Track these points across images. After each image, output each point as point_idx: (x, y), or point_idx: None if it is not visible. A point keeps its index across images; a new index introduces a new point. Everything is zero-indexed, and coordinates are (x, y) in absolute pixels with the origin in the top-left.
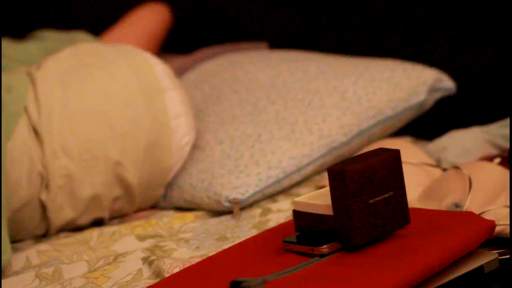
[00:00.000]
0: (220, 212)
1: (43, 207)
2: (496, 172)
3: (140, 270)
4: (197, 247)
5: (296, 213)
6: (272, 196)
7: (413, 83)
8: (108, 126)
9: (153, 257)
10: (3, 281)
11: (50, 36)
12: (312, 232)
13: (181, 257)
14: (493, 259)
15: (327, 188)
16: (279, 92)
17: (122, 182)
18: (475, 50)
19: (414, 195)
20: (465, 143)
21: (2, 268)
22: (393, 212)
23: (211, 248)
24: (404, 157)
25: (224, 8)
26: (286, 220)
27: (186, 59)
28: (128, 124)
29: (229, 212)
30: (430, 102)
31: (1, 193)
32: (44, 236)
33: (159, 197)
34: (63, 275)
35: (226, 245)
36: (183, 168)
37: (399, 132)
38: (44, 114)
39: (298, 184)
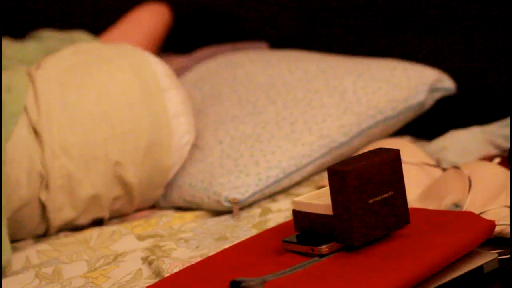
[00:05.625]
0: (220, 212)
1: (43, 207)
2: (496, 172)
3: (139, 269)
4: (197, 247)
5: (295, 213)
6: (272, 196)
7: (413, 83)
8: (108, 126)
9: (152, 257)
10: (3, 281)
11: (50, 36)
12: (311, 232)
13: (180, 256)
14: (493, 259)
15: (327, 188)
16: (278, 92)
17: (122, 182)
18: (475, 50)
19: (414, 195)
20: (465, 143)
21: (2, 268)
22: (393, 212)
23: (211, 248)
24: (404, 157)
25: (224, 8)
26: (286, 220)
27: (186, 59)
28: (128, 124)
29: (228, 212)
30: (430, 102)
31: (1, 193)
32: (44, 235)
33: (158, 197)
34: (63, 275)
35: (226, 245)
36: (182, 168)
37: (399, 132)
38: (43, 113)
39: (298, 184)
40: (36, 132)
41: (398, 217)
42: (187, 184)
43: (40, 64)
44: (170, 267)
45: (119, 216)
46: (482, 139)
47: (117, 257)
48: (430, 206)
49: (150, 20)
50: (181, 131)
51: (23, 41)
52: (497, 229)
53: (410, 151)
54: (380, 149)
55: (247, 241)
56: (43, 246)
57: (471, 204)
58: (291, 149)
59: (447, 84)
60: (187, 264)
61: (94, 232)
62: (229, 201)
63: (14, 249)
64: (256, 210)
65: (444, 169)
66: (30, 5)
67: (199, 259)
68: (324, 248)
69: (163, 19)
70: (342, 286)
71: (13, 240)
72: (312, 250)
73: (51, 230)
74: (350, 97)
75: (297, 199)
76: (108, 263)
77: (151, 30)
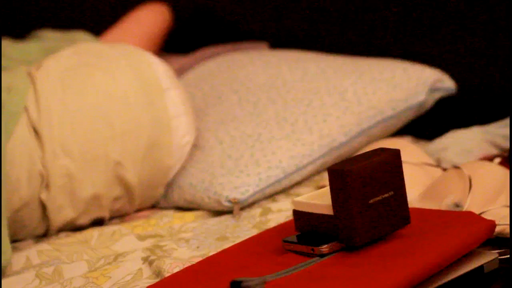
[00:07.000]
0: (220, 212)
1: (43, 207)
2: (496, 172)
3: (140, 270)
4: (197, 247)
5: (296, 213)
6: (272, 196)
7: (413, 83)
8: (108, 126)
9: (153, 257)
10: (3, 281)
11: (50, 36)
12: (312, 232)
13: (181, 257)
14: (493, 259)
15: (327, 188)
16: (279, 92)
17: (122, 182)
18: (475, 50)
19: (414, 195)
20: (465, 143)
21: (2, 268)
22: (393, 212)
23: (211, 248)
24: (404, 157)
25: (224, 8)
26: (286, 220)
27: (186, 59)
28: (128, 124)
29: (229, 212)
30: (430, 102)
31: (1, 193)
32: (44, 235)
33: (159, 197)
34: (63, 275)
35: (226, 245)
36: (183, 168)
37: (399, 132)
38: (44, 114)
39: (298, 184)
40: (36, 132)
41: (399, 217)
42: (187, 184)
43: (40, 64)
44: (171, 267)
45: (119, 216)
46: (482, 139)
47: (117, 257)
48: (431, 206)
49: (150, 20)
50: (182, 131)
51: (23, 41)
52: (497, 229)
53: (410, 151)
54: (380, 149)
55: (247, 241)
56: (44, 246)
57: (472, 204)
58: (291, 149)
59: (447, 84)
60: (188, 264)
61: (95, 232)
62: (230, 201)
63: (15, 249)
64: (257, 210)
65: (444, 169)
66: (30, 5)
67: (199, 259)
68: (324, 248)
69: (163, 19)
70: (342, 286)
71: (14, 240)
72: (313, 250)
73: (51, 230)
74: (350, 97)
75: (297, 199)
76: (108, 263)
77: (151, 30)
